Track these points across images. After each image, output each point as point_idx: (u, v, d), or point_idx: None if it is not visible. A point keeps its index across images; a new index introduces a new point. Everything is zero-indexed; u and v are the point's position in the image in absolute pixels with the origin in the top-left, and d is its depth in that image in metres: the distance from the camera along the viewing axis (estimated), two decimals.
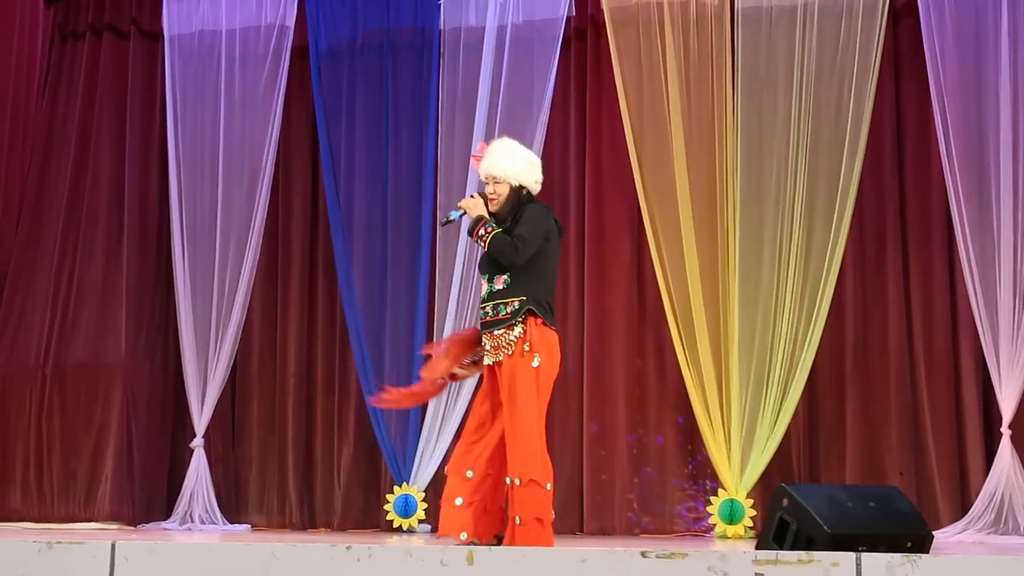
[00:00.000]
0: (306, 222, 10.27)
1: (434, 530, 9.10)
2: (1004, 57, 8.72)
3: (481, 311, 5.96)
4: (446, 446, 9.32)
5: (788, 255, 8.91)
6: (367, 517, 9.80)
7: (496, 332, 5.82)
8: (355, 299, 9.72)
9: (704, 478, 9.18)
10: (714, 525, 8.86)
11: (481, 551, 4.61)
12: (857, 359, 9.07)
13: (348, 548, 4.73)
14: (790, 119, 9.03)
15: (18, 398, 10.10)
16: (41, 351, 10.16)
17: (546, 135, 9.46)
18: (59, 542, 5.06)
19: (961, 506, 8.65)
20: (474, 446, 5.94)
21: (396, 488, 9.43)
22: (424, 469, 9.37)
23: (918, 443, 8.88)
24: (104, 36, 10.64)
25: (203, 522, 9.72)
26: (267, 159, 10.01)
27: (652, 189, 9.22)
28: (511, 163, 5.96)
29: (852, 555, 4.32)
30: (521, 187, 5.97)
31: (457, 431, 9.24)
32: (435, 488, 9.45)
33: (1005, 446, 8.43)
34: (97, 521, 9.79)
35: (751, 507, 8.75)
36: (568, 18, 9.62)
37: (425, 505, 9.35)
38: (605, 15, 9.40)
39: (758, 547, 5.27)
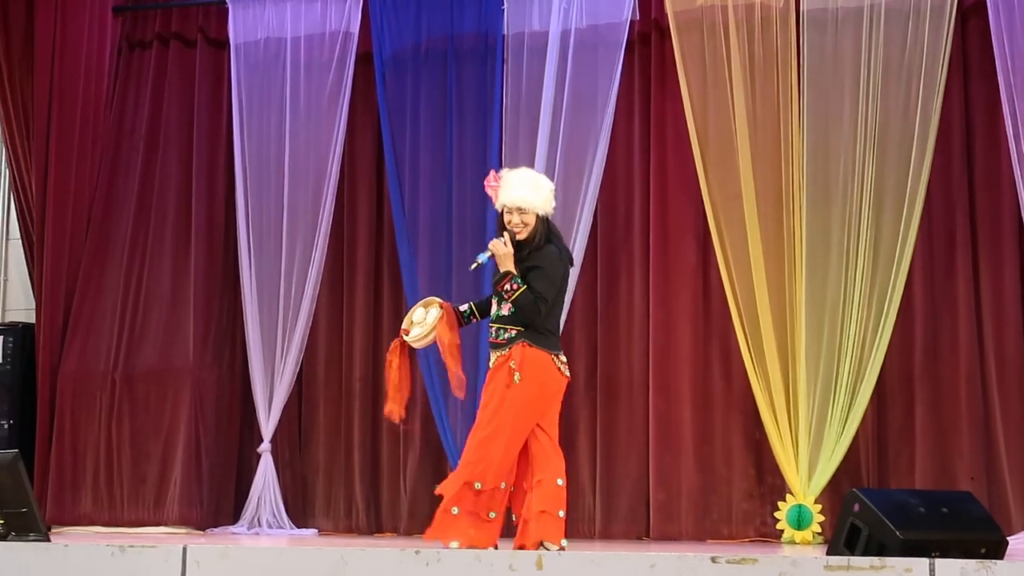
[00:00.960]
0: (371, 227, 10.31)
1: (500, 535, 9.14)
2: None
3: (490, 330, 6.27)
4: None
5: (856, 258, 8.83)
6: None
7: (496, 353, 6.17)
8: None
9: (771, 483, 9.12)
10: (782, 531, 8.79)
11: (551, 556, 4.61)
12: (926, 362, 8.97)
13: (417, 552, 4.75)
14: (856, 121, 8.94)
15: (88, 403, 10.21)
16: (111, 357, 10.26)
17: (610, 139, 9.43)
18: (132, 546, 5.12)
19: None
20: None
21: None
22: None
23: (989, 448, 8.78)
24: (171, 44, 10.74)
25: (270, 526, 9.78)
26: (332, 165, 10.06)
27: (717, 192, 9.17)
28: (537, 194, 6.18)
29: (925, 560, 4.28)
30: (546, 217, 6.21)
31: None
32: None
33: None
34: (166, 525, 9.88)
35: (819, 512, 8.68)
36: (632, 22, 9.58)
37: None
38: (669, 18, 9.36)
39: (829, 553, 5.22)
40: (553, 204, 6.33)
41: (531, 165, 9.42)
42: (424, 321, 6.39)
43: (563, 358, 6.32)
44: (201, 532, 9.78)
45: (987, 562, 4.23)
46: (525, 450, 6.25)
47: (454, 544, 6.06)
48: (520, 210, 6.14)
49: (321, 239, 10.01)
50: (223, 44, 10.58)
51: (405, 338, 6.49)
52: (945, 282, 9.04)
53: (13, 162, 10.56)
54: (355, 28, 10.17)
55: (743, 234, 9.02)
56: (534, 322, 6.13)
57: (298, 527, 9.87)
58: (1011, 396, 8.80)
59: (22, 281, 10.92)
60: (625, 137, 9.73)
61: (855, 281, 8.82)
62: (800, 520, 8.68)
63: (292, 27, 10.37)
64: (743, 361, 8.99)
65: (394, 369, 6.55)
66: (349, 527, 9.97)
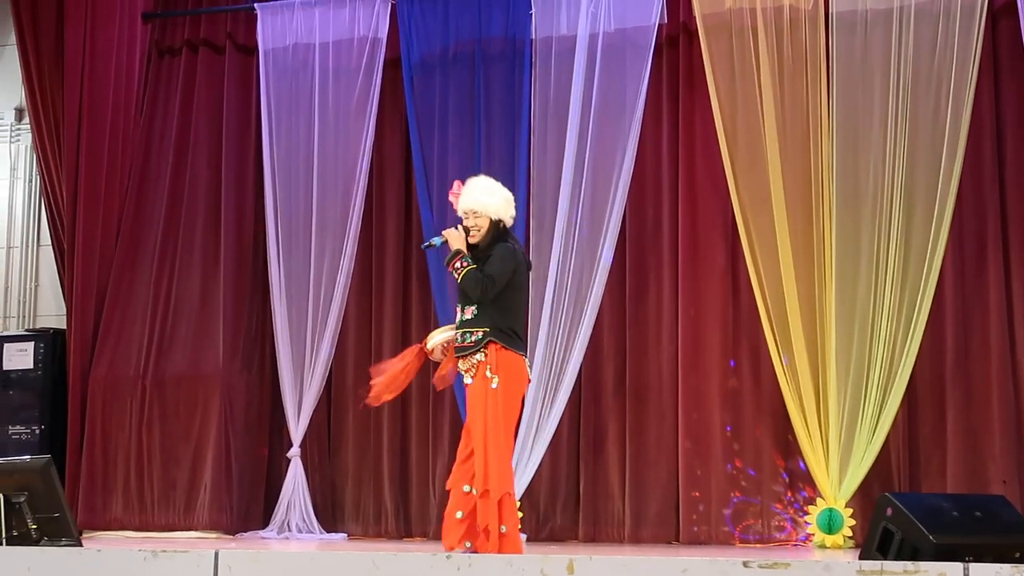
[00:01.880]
0: (399, 232, 10.33)
1: (530, 539, 9.17)
2: None
3: (456, 337, 6.42)
4: (541, 454, 9.32)
5: (886, 261, 8.80)
6: None
7: (465, 356, 6.34)
8: (449, 307, 9.70)
9: (802, 487, 9.09)
10: (812, 535, 8.76)
11: (582, 560, 4.59)
12: (958, 365, 8.93)
13: (448, 557, 4.74)
14: (886, 124, 8.91)
15: (119, 409, 10.25)
16: (141, 362, 10.31)
17: (639, 142, 9.43)
18: (164, 551, 5.13)
19: None
20: (467, 463, 6.32)
21: None
22: (520, 478, 9.33)
23: (1021, 450, 8.73)
24: (200, 51, 10.79)
25: (300, 531, 9.80)
26: (361, 170, 10.08)
27: (746, 195, 9.15)
28: (491, 199, 6.46)
29: (959, 565, 4.25)
30: (499, 220, 6.45)
31: (552, 438, 9.27)
32: (530, 496, 9.46)
33: None
34: (196, 530, 9.92)
35: (850, 516, 8.64)
36: (660, 25, 9.57)
37: (521, 514, 9.34)
38: (697, 22, 9.34)
39: (862, 557, 5.21)
40: (511, 213, 6.56)
41: (559, 169, 9.46)
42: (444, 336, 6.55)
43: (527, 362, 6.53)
44: (231, 537, 9.81)
45: (1022, 567, 4.19)
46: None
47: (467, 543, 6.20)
48: (475, 213, 6.43)
49: (350, 244, 10.03)
50: (252, 50, 10.63)
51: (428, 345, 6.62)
52: (976, 284, 8.99)
53: (44, 169, 10.62)
54: (383, 33, 10.20)
55: (772, 236, 8.99)
56: (494, 307, 6.29)
57: (327, 532, 9.90)
58: None
59: (53, 287, 10.98)
60: (653, 140, 9.71)
61: (885, 283, 8.78)
62: (831, 524, 8.65)
63: (320, 33, 10.40)
64: (772, 364, 8.96)
65: (404, 364, 6.64)
66: (378, 532, 9.98)
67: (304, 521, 9.88)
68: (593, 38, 9.62)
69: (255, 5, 10.55)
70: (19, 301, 11.23)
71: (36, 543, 5.99)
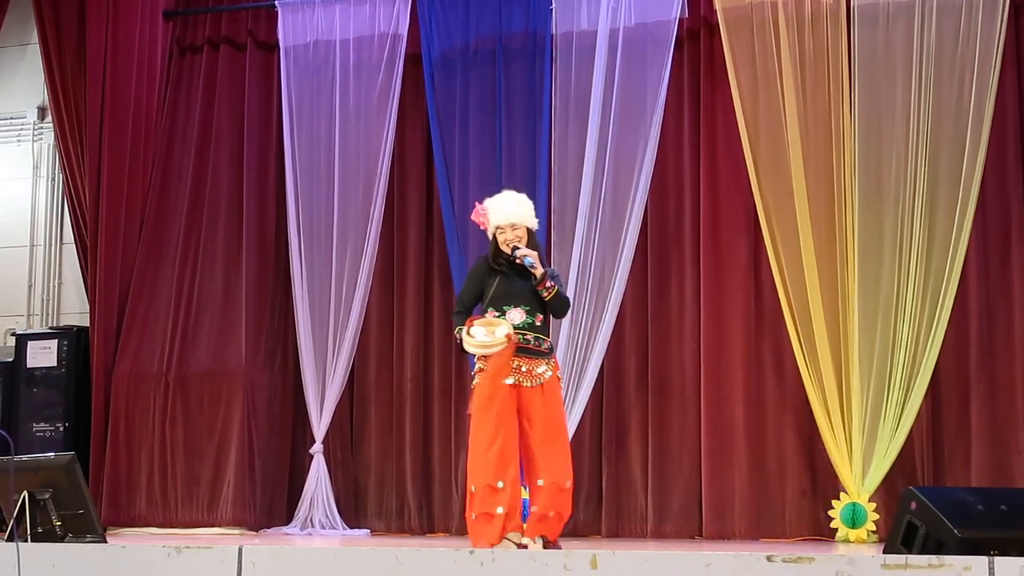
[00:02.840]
0: (421, 228, 10.33)
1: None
2: None
3: (522, 337, 6.57)
4: None
5: (909, 255, 8.77)
6: None
7: (538, 360, 6.60)
8: None
9: (825, 481, 9.06)
10: (836, 529, 8.73)
11: (605, 555, 4.59)
12: (982, 359, 8.90)
13: (471, 552, 4.75)
14: (909, 117, 8.88)
15: (142, 406, 10.28)
16: (164, 359, 10.33)
17: (660, 137, 9.41)
18: (187, 547, 5.15)
19: None
20: (507, 457, 6.48)
21: None
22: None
23: None
24: (221, 48, 10.81)
25: (323, 527, 9.81)
26: (382, 166, 10.08)
27: (768, 190, 9.13)
28: (526, 210, 6.81)
29: (984, 559, 4.24)
30: (534, 229, 6.84)
31: (574, 433, 9.26)
32: None
33: None
34: (220, 526, 9.93)
35: (874, 511, 8.61)
36: (681, 20, 9.55)
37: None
38: (718, 16, 9.32)
39: (886, 551, 5.19)
40: (536, 220, 6.90)
41: (580, 165, 9.46)
42: (495, 336, 6.56)
43: None
44: (254, 533, 9.83)
45: None
46: (526, 449, 6.62)
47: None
48: (513, 225, 6.71)
49: (371, 240, 10.04)
50: (273, 47, 10.64)
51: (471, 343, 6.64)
52: (1000, 277, 8.96)
53: (67, 168, 10.66)
54: (404, 29, 10.20)
55: (795, 231, 8.97)
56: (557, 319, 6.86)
57: (350, 528, 9.91)
58: None
59: (76, 285, 11.03)
60: (675, 135, 9.70)
61: (908, 277, 8.75)
62: (854, 518, 8.62)
63: (341, 29, 10.41)
64: (795, 358, 8.94)
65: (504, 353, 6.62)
66: (401, 527, 10.00)
67: (327, 517, 9.89)
68: (613, 33, 9.61)
69: (276, 2, 10.56)
70: (43, 299, 11.28)
71: (61, 540, 6.02)
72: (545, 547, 6.40)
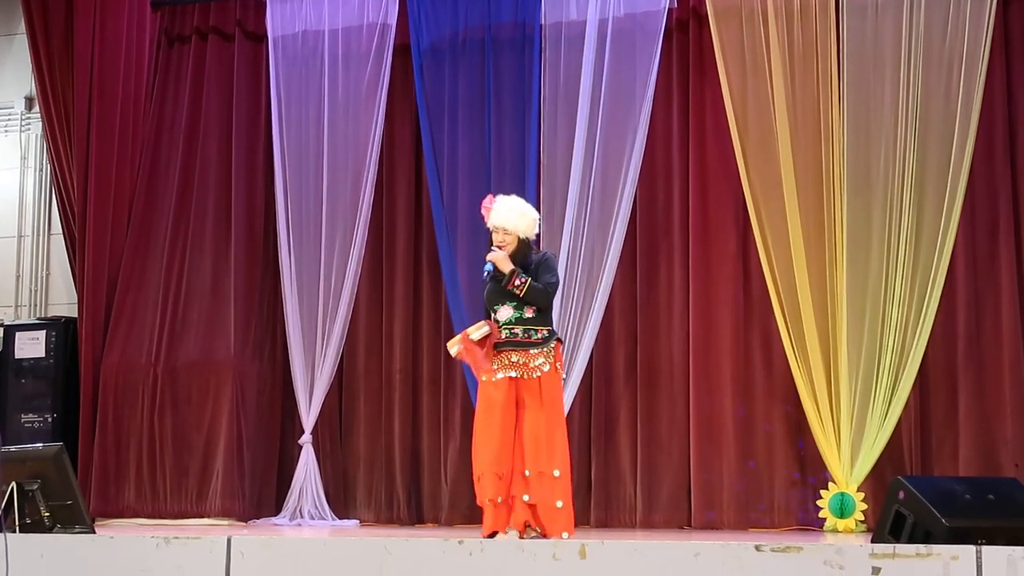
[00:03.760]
0: (410, 219, 10.33)
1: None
2: None
3: (509, 332, 6.69)
4: None
5: (897, 245, 8.77)
6: (474, 512, 9.74)
7: (532, 352, 6.68)
8: (459, 295, 9.74)
9: (814, 472, 9.08)
10: (824, 519, 8.75)
11: (594, 545, 4.60)
12: (970, 349, 8.91)
13: (461, 542, 4.75)
14: (897, 107, 8.88)
15: (130, 397, 10.27)
16: (152, 350, 10.32)
17: (649, 128, 9.40)
18: (176, 537, 5.15)
19: None
20: (507, 447, 6.59)
21: None
22: None
23: None
24: (209, 39, 10.79)
25: (312, 517, 9.81)
26: (371, 157, 10.07)
27: (757, 180, 9.13)
28: (521, 220, 6.85)
29: (972, 548, 4.25)
30: (526, 239, 6.88)
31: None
32: None
33: None
34: (209, 517, 9.93)
35: (862, 501, 8.63)
36: (670, 10, 9.55)
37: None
38: (707, 6, 9.31)
39: (874, 540, 5.20)
40: (536, 231, 6.97)
41: (569, 155, 9.44)
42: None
43: None
44: (243, 524, 9.82)
45: None
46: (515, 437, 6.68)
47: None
48: (505, 230, 6.80)
49: (360, 231, 10.03)
50: (261, 38, 10.62)
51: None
52: (988, 268, 8.97)
53: (54, 158, 10.63)
54: (392, 20, 10.18)
55: (783, 222, 8.97)
56: (547, 309, 6.81)
57: (339, 518, 9.90)
58: None
59: (64, 276, 11.00)
60: (664, 126, 9.70)
61: (897, 268, 8.76)
62: (843, 508, 8.64)
63: (330, 20, 10.39)
64: (784, 349, 8.95)
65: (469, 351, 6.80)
66: (390, 518, 10.00)
67: (316, 508, 9.89)
68: (602, 23, 9.60)
69: None
70: (31, 290, 11.25)
71: (49, 530, 6.01)
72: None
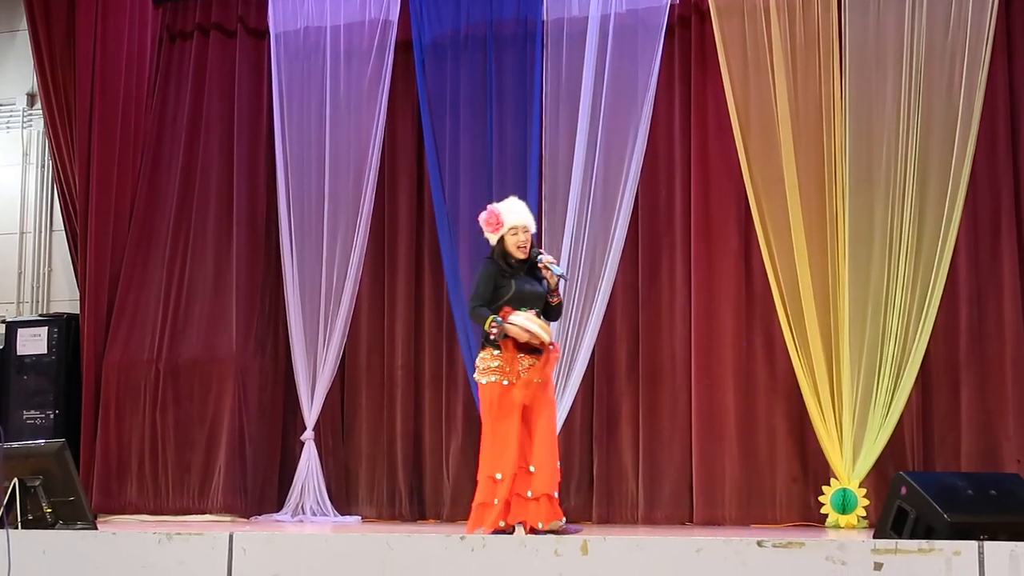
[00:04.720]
0: (412, 215, 10.32)
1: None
2: None
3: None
4: None
5: (899, 241, 8.77)
6: None
7: (539, 356, 6.67)
8: (461, 291, 9.74)
9: (815, 467, 9.08)
10: (826, 515, 8.75)
11: (596, 541, 4.60)
12: (972, 345, 8.91)
13: (462, 538, 4.75)
14: (899, 103, 8.87)
15: (132, 393, 10.27)
16: (154, 346, 10.32)
17: (651, 124, 9.40)
18: (178, 534, 5.15)
19: None
20: (513, 450, 6.69)
21: None
22: None
23: None
24: (211, 35, 10.79)
25: (314, 514, 9.82)
26: (373, 153, 10.07)
27: (759, 176, 9.12)
28: (532, 218, 6.93)
29: (974, 544, 4.25)
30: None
31: (565, 420, 9.26)
32: None
33: None
34: (211, 513, 9.93)
35: (864, 497, 8.63)
36: (672, 6, 9.55)
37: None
38: (709, 2, 9.30)
39: (876, 536, 5.20)
40: None
41: (571, 151, 9.45)
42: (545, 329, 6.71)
43: None
44: (245, 520, 9.83)
45: None
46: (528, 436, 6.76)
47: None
48: (526, 228, 6.79)
49: (362, 227, 10.02)
50: (263, 34, 10.62)
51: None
52: (990, 263, 8.96)
53: (56, 155, 10.64)
54: (394, 16, 10.18)
55: (785, 217, 8.97)
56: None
57: (342, 514, 9.90)
58: None
59: (66, 272, 11.01)
60: (666, 121, 9.69)
61: (899, 264, 8.75)
62: (845, 504, 8.64)
63: (332, 16, 10.39)
64: (786, 345, 8.95)
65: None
66: (392, 514, 10.00)
67: (318, 504, 9.89)
68: (605, 19, 9.59)
69: None
70: (32, 286, 11.26)
71: (51, 527, 6.02)
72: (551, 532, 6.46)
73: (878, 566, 4.26)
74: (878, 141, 8.91)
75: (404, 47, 10.21)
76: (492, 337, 6.59)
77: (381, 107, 10.09)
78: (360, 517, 9.97)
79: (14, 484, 6.02)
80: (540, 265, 6.74)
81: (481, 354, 6.74)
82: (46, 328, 10.59)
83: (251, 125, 10.57)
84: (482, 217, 6.88)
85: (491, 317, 6.60)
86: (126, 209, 10.61)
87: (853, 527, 8.58)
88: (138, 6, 10.79)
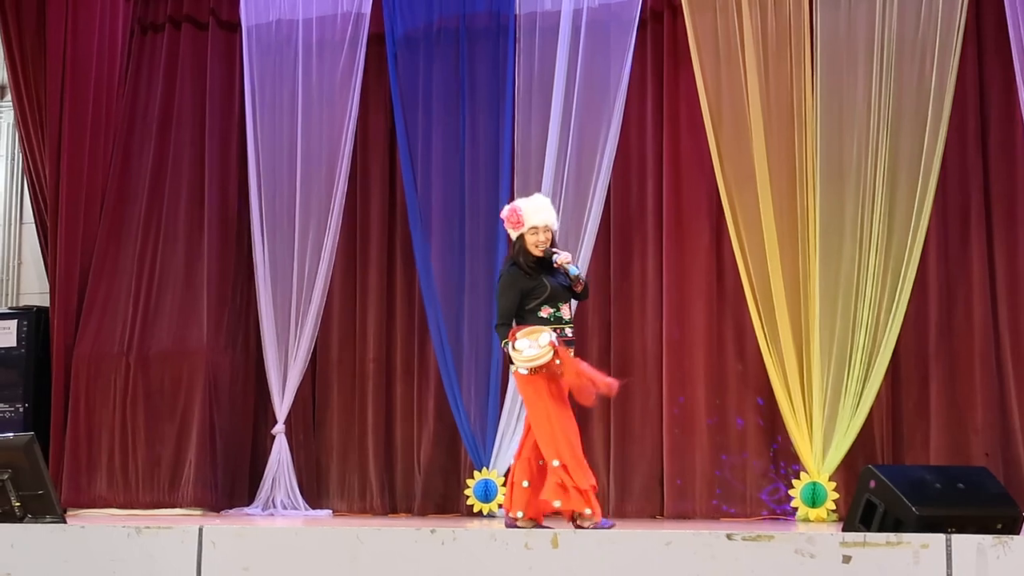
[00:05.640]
0: (384, 208, 10.31)
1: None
2: None
3: (566, 330, 6.80)
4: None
5: (870, 236, 8.80)
6: (447, 502, 9.83)
7: (568, 350, 6.77)
8: (433, 284, 9.74)
9: (786, 461, 9.11)
10: (796, 508, 8.79)
11: (566, 534, 4.60)
12: (941, 340, 8.95)
13: (432, 532, 4.75)
14: (870, 98, 8.90)
15: (103, 386, 10.23)
16: (125, 339, 10.28)
17: (623, 119, 9.41)
18: (147, 527, 5.13)
19: None
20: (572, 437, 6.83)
21: (476, 473, 9.44)
22: (504, 454, 9.37)
23: (1004, 424, 8.76)
24: (183, 27, 10.74)
25: (285, 507, 9.80)
26: (345, 146, 10.05)
27: (731, 171, 9.15)
28: (555, 216, 7.05)
29: (942, 537, 4.27)
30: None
31: None
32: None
33: None
34: (181, 507, 9.90)
35: (834, 490, 8.67)
36: (644, 0, 9.55)
37: (505, 490, 9.35)
38: None
39: (845, 529, 5.22)
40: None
41: (544, 145, 9.45)
42: (539, 345, 6.70)
43: None
44: (216, 514, 9.80)
45: (1004, 537, 4.22)
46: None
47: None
48: (547, 228, 6.88)
49: (334, 221, 10.01)
50: (235, 26, 10.58)
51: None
52: (959, 258, 9.00)
53: (26, 147, 10.57)
54: (367, 8, 10.16)
55: (756, 212, 8.99)
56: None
57: (312, 508, 9.90)
58: None
59: (36, 265, 10.95)
60: (638, 116, 9.70)
61: (869, 258, 8.79)
62: (815, 498, 8.67)
63: (304, 8, 10.37)
64: (757, 340, 8.97)
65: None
66: (363, 508, 9.99)
67: (289, 498, 9.88)
68: (577, 13, 9.60)
69: None
70: (2, 279, 11.21)
71: (20, 521, 5.97)
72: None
73: (847, 559, 4.28)
74: (849, 135, 8.94)
75: (377, 40, 10.20)
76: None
77: (353, 100, 10.07)
78: (331, 511, 9.96)
79: None
80: (555, 265, 6.83)
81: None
82: (16, 321, 10.54)
83: (223, 118, 10.53)
84: (504, 213, 6.98)
85: (504, 343, 6.77)
86: (97, 202, 10.56)
87: (823, 520, 8.62)
88: None
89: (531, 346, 6.62)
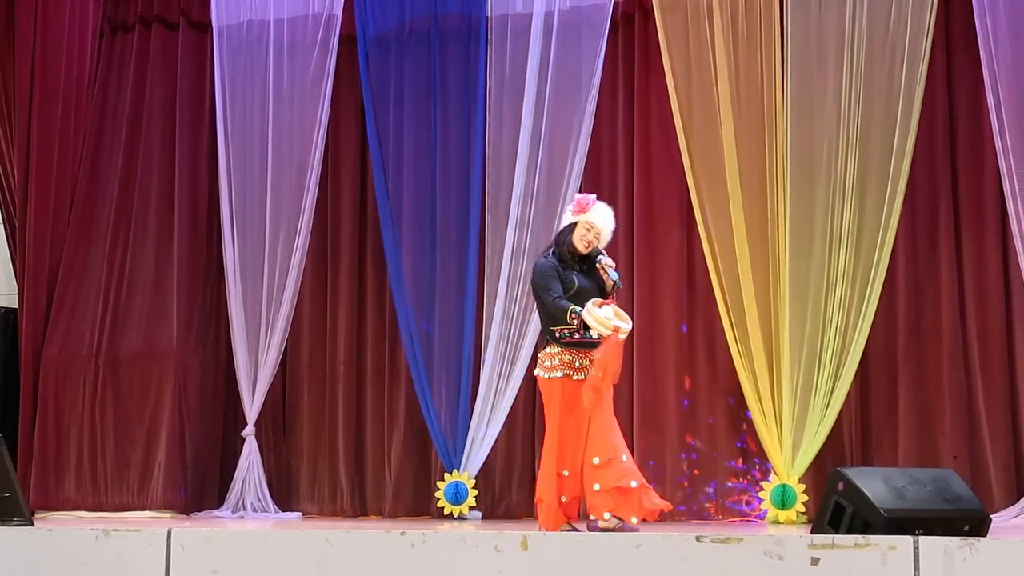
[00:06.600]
0: (355, 210, 10.29)
1: (485, 517, 9.20)
2: None
3: (589, 335, 6.66)
4: (496, 433, 9.34)
5: (839, 238, 8.83)
6: (418, 504, 9.82)
7: (591, 351, 6.69)
8: (404, 286, 9.73)
9: (755, 463, 9.14)
10: (766, 511, 8.81)
11: (535, 536, 4.60)
12: (910, 343, 8.99)
13: (402, 534, 4.74)
14: (840, 101, 8.93)
15: (71, 388, 10.18)
16: (94, 341, 10.23)
17: (594, 121, 9.42)
18: (116, 530, 5.10)
19: (1016, 490, 8.57)
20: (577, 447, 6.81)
21: (447, 475, 9.43)
22: (474, 456, 9.37)
23: (972, 427, 8.80)
24: (153, 28, 10.70)
25: (255, 510, 9.77)
26: (316, 148, 10.03)
27: (701, 173, 9.17)
28: (610, 232, 7.01)
29: (909, 539, 4.29)
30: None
31: (507, 416, 9.27)
32: (485, 474, 9.47)
33: None
34: (150, 510, 9.86)
35: (803, 492, 8.70)
36: (616, 3, 9.58)
37: (476, 492, 9.36)
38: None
39: (813, 531, 5.23)
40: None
41: (515, 147, 9.46)
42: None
43: None
44: (185, 516, 9.77)
45: (970, 539, 4.24)
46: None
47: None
48: (599, 234, 6.88)
49: (305, 222, 9.99)
50: (206, 27, 10.55)
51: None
52: (928, 261, 9.05)
53: None
54: (338, 10, 10.15)
55: (727, 214, 9.01)
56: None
57: (282, 511, 9.87)
58: (993, 375, 8.82)
59: (4, 266, 10.87)
60: (609, 118, 9.72)
61: (839, 261, 8.82)
62: (784, 500, 8.70)
63: (275, 9, 10.35)
64: (727, 342, 8.99)
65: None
66: (334, 510, 9.97)
67: (259, 500, 9.84)
68: (548, 15, 9.61)
69: None
70: None
71: None
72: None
73: (815, 561, 4.29)
74: (819, 138, 8.97)
75: (348, 41, 10.18)
76: (566, 331, 6.62)
77: (325, 101, 10.06)
78: (301, 513, 9.94)
79: None
80: (598, 265, 6.80)
81: (546, 349, 6.79)
82: None
83: (193, 118, 10.50)
84: (576, 195, 7.03)
85: (571, 308, 6.61)
86: (65, 202, 10.50)
87: (792, 522, 8.64)
88: None
89: (614, 317, 6.59)
